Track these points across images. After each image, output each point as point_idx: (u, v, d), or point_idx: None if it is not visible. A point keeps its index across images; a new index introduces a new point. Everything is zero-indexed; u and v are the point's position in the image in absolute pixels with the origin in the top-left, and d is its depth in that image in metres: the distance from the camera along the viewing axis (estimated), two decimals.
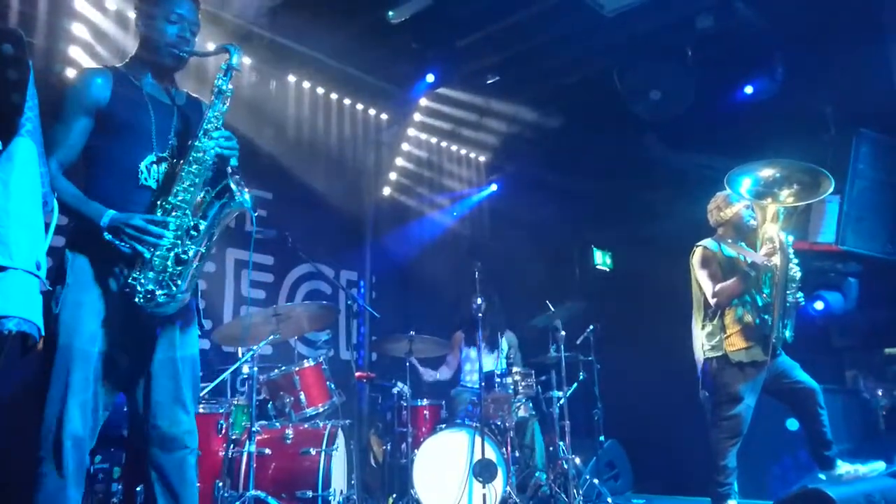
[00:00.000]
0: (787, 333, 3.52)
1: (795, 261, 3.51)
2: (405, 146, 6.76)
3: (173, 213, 2.09)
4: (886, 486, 3.06)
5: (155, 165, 2.17)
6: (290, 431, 3.69)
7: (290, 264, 5.77)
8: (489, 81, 5.97)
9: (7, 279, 1.39)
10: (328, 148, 6.04)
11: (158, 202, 2.11)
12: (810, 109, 5.15)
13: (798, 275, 3.51)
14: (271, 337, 3.92)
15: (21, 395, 3.55)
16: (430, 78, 5.80)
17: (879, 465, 3.45)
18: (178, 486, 2.14)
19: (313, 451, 3.64)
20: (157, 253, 2.04)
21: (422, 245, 6.93)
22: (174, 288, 2.06)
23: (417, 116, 6.55)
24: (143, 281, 2.03)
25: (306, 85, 5.82)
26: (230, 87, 2.25)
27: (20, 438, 3.47)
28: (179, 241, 2.08)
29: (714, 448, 3.51)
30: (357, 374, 4.93)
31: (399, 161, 6.77)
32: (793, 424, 4.34)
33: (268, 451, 3.63)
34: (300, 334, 4.60)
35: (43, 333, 1.52)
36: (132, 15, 2.37)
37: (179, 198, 2.11)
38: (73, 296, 2.03)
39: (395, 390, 4.69)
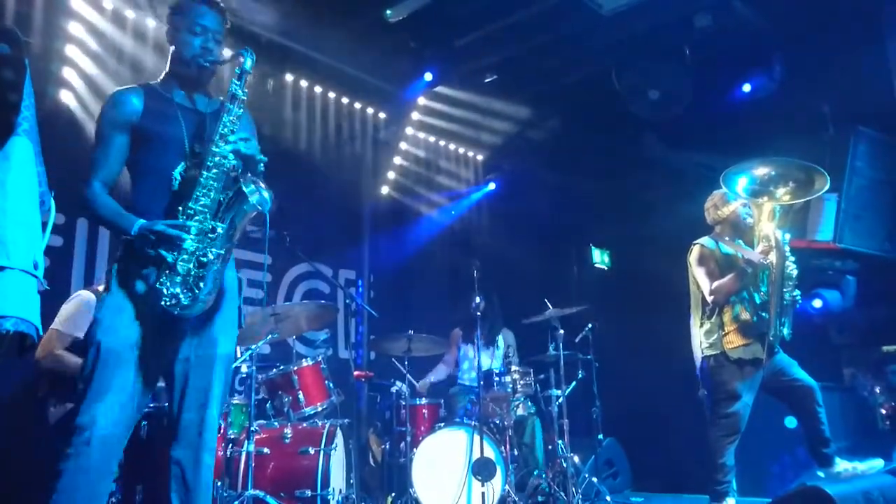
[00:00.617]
0: (785, 331, 3.52)
1: (792, 258, 3.51)
2: (403, 145, 6.76)
3: (195, 218, 2.16)
4: (885, 483, 3.06)
5: (188, 171, 2.25)
6: (288, 431, 3.69)
7: (288, 263, 5.77)
8: (487, 80, 5.98)
9: (4, 279, 1.38)
10: (326, 147, 6.03)
11: (181, 207, 2.18)
12: (808, 108, 5.16)
13: (795, 272, 3.52)
14: (270, 336, 3.92)
15: (21, 395, 3.54)
16: (429, 77, 5.80)
17: (878, 463, 3.46)
18: (193, 483, 2.18)
19: (312, 451, 3.64)
20: (181, 257, 2.11)
21: (420, 244, 6.93)
22: (197, 290, 2.13)
23: (415, 115, 6.54)
24: (168, 285, 2.10)
25: (304, 84, 5.82)
26: (245, 91, 2.30)
27: (20, 438, 3.47)
28: (201, 245, 2.15)
29: (712, 446, 3.51)
30: (356, 373, 4.93)
31: (397, 160, 6.77)
32: (791, 422, 4.34)
33: (266, 450, 3.62)
34: (299, 333, 4.60)
35: (41, 333, 1.52)
36: (151, 23, 2.42)
37: (200, 203, 2.17)
38: (114, 301, 2.14)
39: (393, 389, 4.69)
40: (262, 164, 2.27)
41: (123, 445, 2.13)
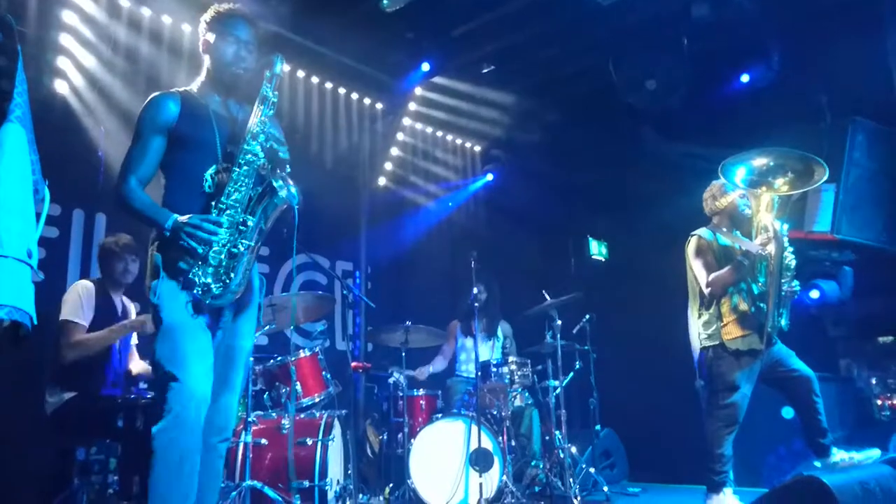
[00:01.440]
0: (783, 322, 3.51)
1: (790, 249, 3.51)
2: (400, 136, 6.73)
3: (227, 212, 2.29)
4: (881, 473, 3.06)
5: (218, 175, 2.38)
6: (286, 421, 3.69)
7: (285, 255, 5.75)
8: (484, 71, 5.95)
9: None
10: (323, 138, 6.01)
11: (213, 203, 2.32)
12: (806, 98, 5.15)
13: (793, 263, 3.51)
14: (267, 327, 3.92)
15: (17, 385, 3.54)
16: (426, 67, 5.78)
17: (874, 453, 3.47)
18: (204, 473, 2.24)
19: (309, 442, 3.64)
20: (213, 249, 2.25)
21: (417, 235, 6.91)
22: (228, 280, 2.26)
23: (413, 106, 6.51)
24: (200, 275, 2.24)
25: (301, 74, 5.79)
26: (276, 93, 2.46)
27: (16, 428, 3.47)
28: (232, 237, 2.28)
29: (710, 436, 3.51)
30: (353, 364, 4.92)
31: (394, 151, 6.74)
32: (788, 413, 4.36)
33: (264, 441, 3.63)
34: (296, 324, 4.59)
35: (35, 322, 1.51)
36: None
37: (232, 198, 2.31)
38: (167, 286, 2.26)
39: (391, 380, 4.69)
40: (287, 164, 2.43)
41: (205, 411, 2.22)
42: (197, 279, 2.23)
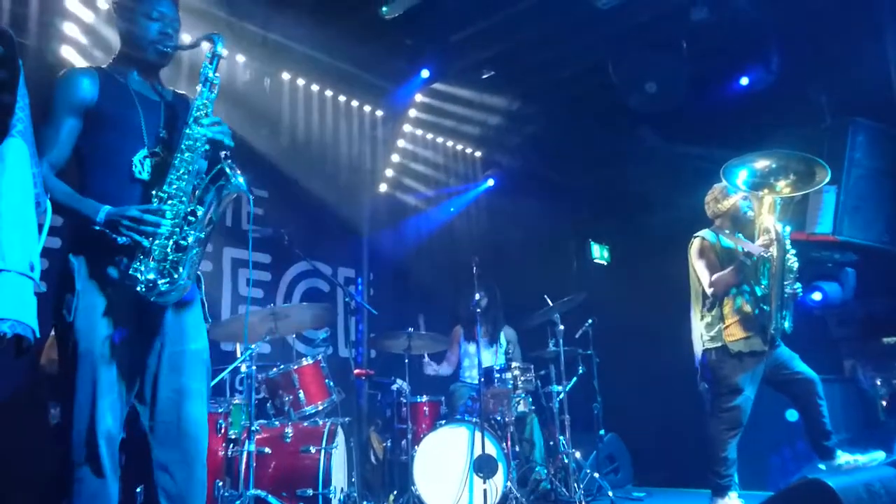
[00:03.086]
0: (786, 324, 3.51)
1: (793, 251, 3.51)
2: (401, 142, 6.73)
3: (169, 202, 2.09)
4: (886, 475, 3.05)
5: (148, 159, 2.18)
6: (289, 430, 3.68)
7: (287, 262, 5.75)
8: (484, 76, 5.96)
9: (0, 281, 1.37)
10: (323, 145, 6.01)
11: (154, 192, 2.11)
12: (806, 99, 5.15)
13: (795, 265, 3.52)
14: (268, 336, 3.92)
15: (21, 397, 3.54)
16: (425, 73, 5.78)
17: (879, 455, 3.45)
18: (184, 484, 2.11)
19: (313, 450, 3.64)
20: (157, 242, 2.04)
21: (419, 241, 6.92)
22: (175, 275, 2.06)
23: (413, 112, 6.52)
24: (143, 270, 2.02)
25: (301, 82, 5.80)
26: (217, 74, 2.26)
27: (20, 440, 3.47)
28: (178, 229, 2.08)
29: (714, 440, 3.51)
30: (356, 371, 4.93)
31: (395, 157, 6.75)
32: (792, 415, 4.34)
33: (267, 449, 3.62)
34: (298, 332, 4.60)
35: (38, 336, 1.51)
36: (106, 8, 2.36)
37: (174, 186, 2.10)
38: (84, 301, 2.03)
39: (394, 387, 4.69)
40: (229, 150, 2.22)
41: (118, 445, 2.08)
42: (140, 275, 2.00)
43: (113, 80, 2.22)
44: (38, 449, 3.43)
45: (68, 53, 4.50)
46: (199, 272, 2.27)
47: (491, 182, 7.38)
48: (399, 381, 4.66)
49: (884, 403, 5.10)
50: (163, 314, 2.15)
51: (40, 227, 1.57)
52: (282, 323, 3.96)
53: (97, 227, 2.03)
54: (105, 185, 2.13)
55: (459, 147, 7.30)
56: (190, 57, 4.50)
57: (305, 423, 3.83)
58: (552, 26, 5.22)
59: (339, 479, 3.79)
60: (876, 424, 4.99)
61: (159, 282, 2.03)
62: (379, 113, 6.47)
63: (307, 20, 4.93)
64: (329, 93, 6.02)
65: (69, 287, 2.03)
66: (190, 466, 2.13)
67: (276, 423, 3.83)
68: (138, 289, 2.00)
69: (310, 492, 3.54)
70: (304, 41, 5.33)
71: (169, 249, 2.05)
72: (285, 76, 5.67)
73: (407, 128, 6.69)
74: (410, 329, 4.63)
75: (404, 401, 4.57)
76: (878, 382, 5.19)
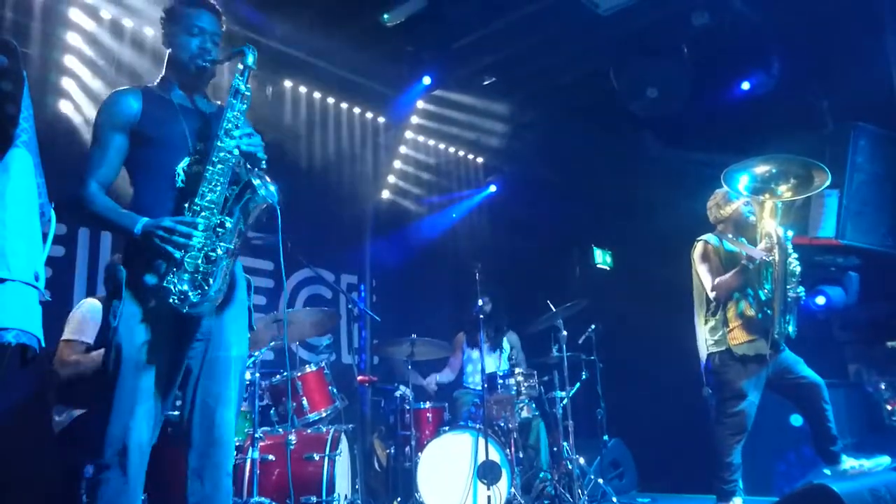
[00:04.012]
0: (790, 328, 3.51)
1: (795, 255, 3.51)
2: (403, 149, 6.75)
3: (202, 214, 2.14)
4: (892, 480, 3.04)
5: (191, 168, 2.24)
6: (293, 437, 3.67)
7: (289, 269, 5.76)
8: (486, 83, 5.97)
9: (5, 291, 1.38)
10: (326, 152, 6.03)
11: (186, 204, 2.16)
12: (807, 104, 5.15)
13: (798, 269, 3.51)
14: (272, 343, 3.92)
15: (25, 405, 3.55)
16: (427, 80, 5.80)
17: (884, 460, 3.45)
18: (212, 491, 2.17)
19: (317, 457, 3.63)
20: (189, 253, 2.09)
21: (421, 247, 6.91)
22: (206, 287, 2.10)
23: (415, 119, 6.54)
24: (176, 282, 2.07)
25: (303, 90, 5.82)
26: (248, 86, 2.30)
27: (24, 447, 3.48)
28: (209, 241, 2.12)
29: (718, 445, 3.50)
30: (359, 377, 4.93)
31: (397, 164, 6.77)
32: (797, 420, 4.33)
33: (271, 456, 3.62)
34: (301, 339, 4.60)
35: (43, 345, 1.52)
36: (149, 32, 2.41)
37: (207, 198, 2.15)
38: (128, 308, 2.11)
39: (397, 393, 4.68)
40: (264, 161, 2.27)
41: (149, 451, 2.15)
42: (173, 287, 2.06)
43: (156, 96, 2.31)
44: (41, 456, 3.43)
45: (71, 63, 4.53)
46: (249, 279, 2.37)
47: (493, 188, 7.39)
48: (402, 388, 4.66)
49: (889, 408, 5.08)
50: (206, 320, 2.19)
51: (44, 236, 1.57)
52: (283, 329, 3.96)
53: (136, 239, 2.11)
54: (151, 194, 2.22)
55: (461, 153, 7.32)
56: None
57: (309, 430, 3.83)
58: (553, 32, 5.23)
59: (343, 486, 3.79)
60: (881, 429, 4.97)
61: (190, 293, 2.08)
62: (381, 120, 6.49)
63: (309, 28, 4.95)
64: (331, 100, 6.04)
65: (117, 294, 2.12)
66: (217, 474, 2.19)
67: (280, 430, 3.83)
68: (170, 300, 2.06)
69: (313, 499, 3.54)
70: (306, 49, 5.36)
71: (200, 261, 2.10)
72: (287, 84, 5.69)
73: (409, 134, 6.71)
74: (413, 335, 4.63)
75: (408, 407, 4.56)
76: (883, 386, 5.17)
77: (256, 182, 2.16)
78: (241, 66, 2.29)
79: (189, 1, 2.35)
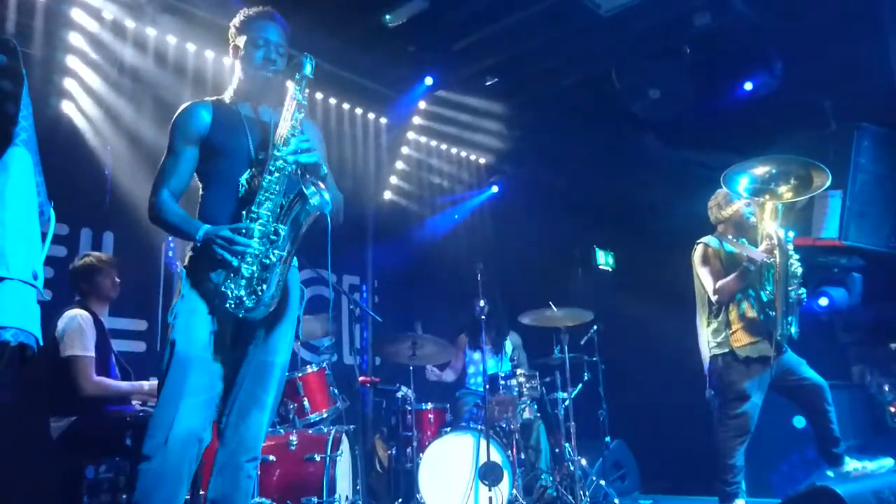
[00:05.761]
0: (793, 330, 3.49)
1: (796, 256, 3.49)
2: (405, 150, 6.75)
3: (258, 222, 2.22)
4: (895, 482, 3.03)
5: (252, 180, 2.32)
6: (294, 437, 3.67)
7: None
8: (488, 83, 5.97)
9: (3, 290, 1.37)
10: (329, 153, 6.00)
11: (244, 212, 2.24)
12: (810, 104, 5.13)
13: (799, 270, 3.50)
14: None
15: (21, 408, 3.54)
16: (429, 81, 5.80)
17: (888, 462, 3.43)
18: (231, 491, 2.23)
19: (318, 457, 3.62)
20: (246, 260, 2.17)
21: (423, 248, 6.92)
22: (260, 293, 2.19)
23: (416, 120, 6.54)
24: (232, 287, 2.17)
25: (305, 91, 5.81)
26: (305, 95, 2.37)
27: (21, 452, 3.47)
28: (264, 248, 2.21)
29: (721, 447, 3.49)
30: (360, 378, 4.92)
31: (399, 165, 6.77)
32: (800, 422, 4.32)
33: (272, 457, 3.61)
34: (303, 340, 4.59)
35: (41, 344, 1.51)
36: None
37: (263, 207, 2.23)
38: (186, 306, 2.20)
39: (399, 394, 4.68)
40: (324, 168, 2.33)
41: (202, 448, 2.18)
42: (230, 292, 2.15)
43: (226, 108, 2.40)
44: (41, 458, 3.43)
45: (73, 63, 4.54)
46: (303, 288, 2.46)
47: (495, 189, 7.39)
48: (404, 389, 4.65)
49: (892, 409, 5.06)
50: (259, 324, 2.27)
51: (44, 235, 1.57)
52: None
53: (199, 245, 2.21)
54: (216, 205, 2.32)
55: (463, 154, 7.32)
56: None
57: (310, 431, 3.82)
58: (555, 34, 5.23)
59: (344, 486, 3.78)
60: (884, 431, 4.96)
61: (245, 299, 2.17)
62: (383, 121, 6.49)
63: (310, 29, 4.94)
64: (333, 101, 6.04)
65: (178, 294, 2.24)
66: (238, 475, 2.24)
67: (281, 430, 3.82)
68: (227, 305, 2.16)
69: (314, 500, 3.53)
70: (308, 49, 5.31)
71: (255, 268, 2.19)
72: (289, 84, 5.69)
73: (411, 135, 6.71)
74: (415, 336, 4.62)
75: (409, 408, 4.56)
76: (887, 388, 5.15)
77: (309, 191, 2.22)
78: (297, 76, 2.36)
79: (255, 13, 2.44)
